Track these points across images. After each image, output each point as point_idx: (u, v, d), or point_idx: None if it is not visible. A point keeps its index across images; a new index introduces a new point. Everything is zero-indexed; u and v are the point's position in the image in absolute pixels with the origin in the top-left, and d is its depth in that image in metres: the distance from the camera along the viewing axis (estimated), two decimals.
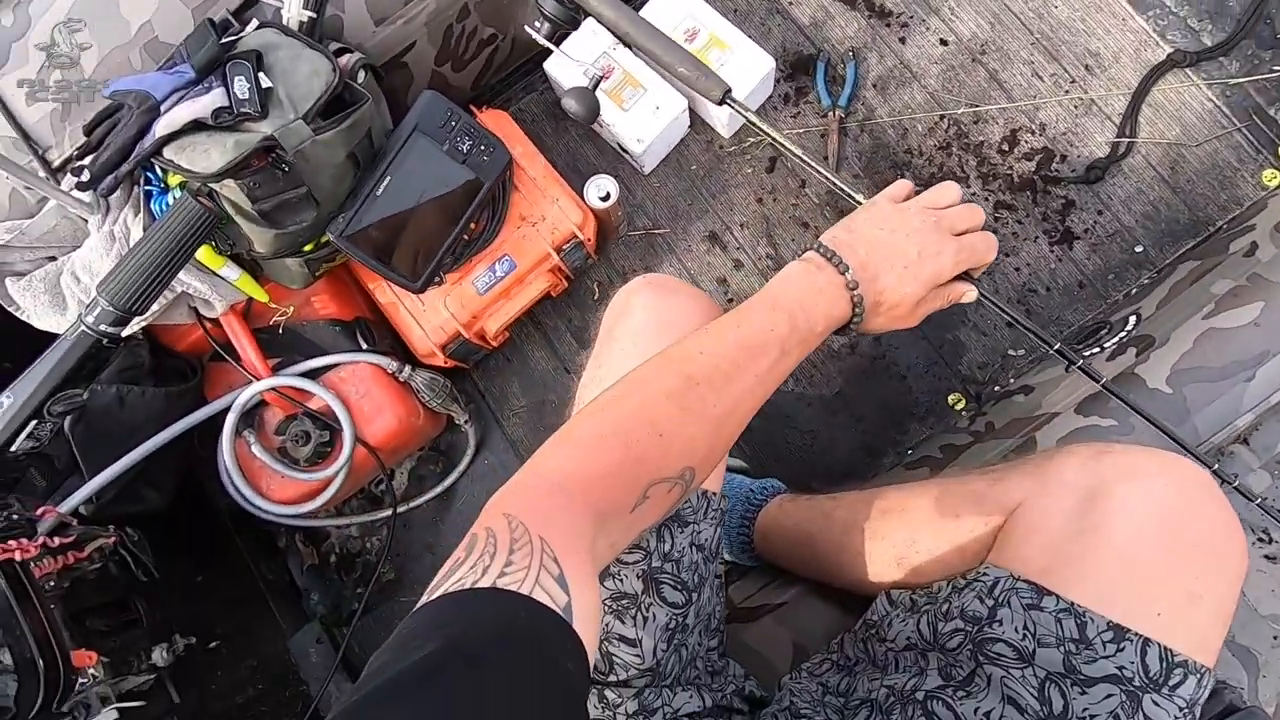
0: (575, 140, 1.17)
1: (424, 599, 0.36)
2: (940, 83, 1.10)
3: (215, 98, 0.78)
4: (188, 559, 1.04)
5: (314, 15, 0.87)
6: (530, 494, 0.43)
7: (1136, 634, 0.49)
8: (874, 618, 0.64)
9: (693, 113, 1.12)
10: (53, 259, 0.89)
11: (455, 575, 0.37)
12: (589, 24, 1.11)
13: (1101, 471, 0.54)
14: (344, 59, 0.87)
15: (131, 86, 0.79)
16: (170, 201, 0.79)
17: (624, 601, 0.56)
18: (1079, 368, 0.60)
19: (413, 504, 1.12)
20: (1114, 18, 1.07)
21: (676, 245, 1.12)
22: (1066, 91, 1.07)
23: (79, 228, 0.87)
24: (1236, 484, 0.55)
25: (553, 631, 0.35)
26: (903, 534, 0.64)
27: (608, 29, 0.72)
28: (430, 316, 1.01)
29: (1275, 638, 0.64)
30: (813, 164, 0.66)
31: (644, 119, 1.06)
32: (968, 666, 0.54)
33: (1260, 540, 0.63)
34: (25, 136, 0.83)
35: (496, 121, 1.04)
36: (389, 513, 1.11)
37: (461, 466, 1.12)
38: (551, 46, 0.83)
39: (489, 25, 1.01)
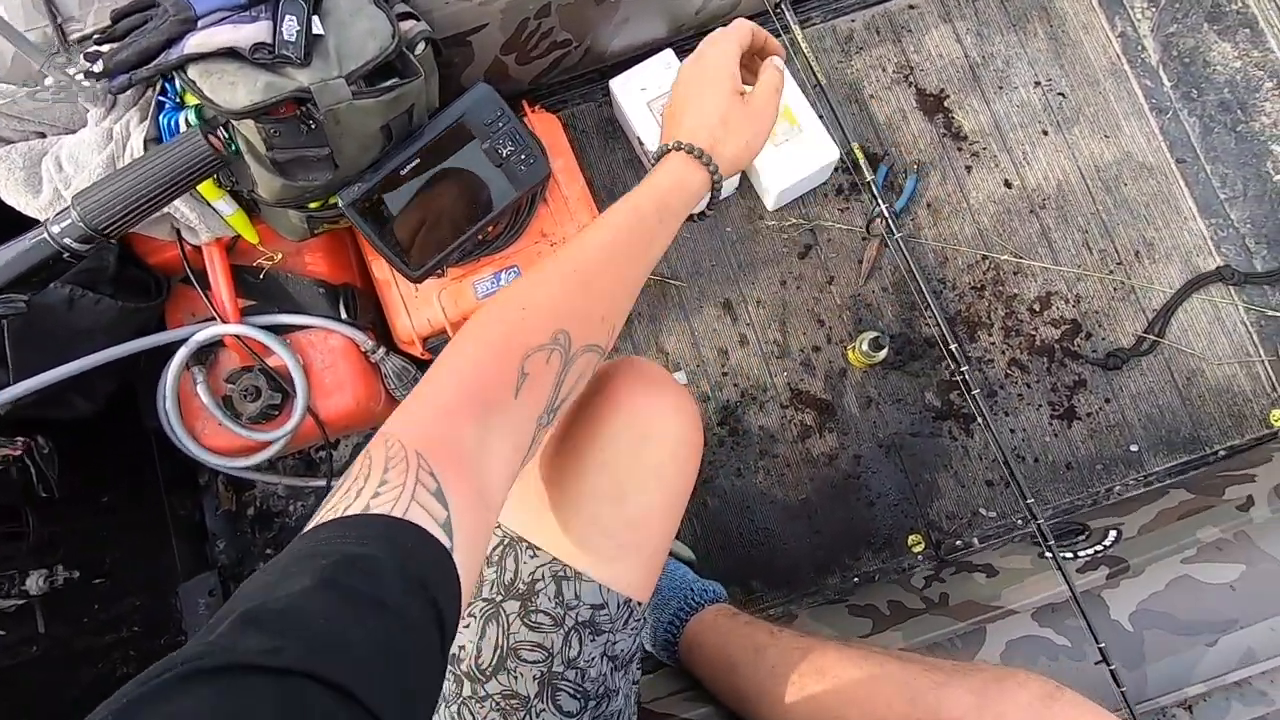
0: (620, 164, 1.13)
1: (308, 524, 0.35)
2: (993, 223, 1.08)
3: (258, 30, 0.72)
4: (99, 473, 0.98)
5: None
6: (408, 412, 0.41)
7: None
8: None
9: (744, 176, 1.09)
10: (42, 136, 0.82)
11: (329, 503, 0.35)
12: (665, 55, 1.07)
13: None
14: (406, 25, 0.81)
15: None
16: (181, 124, 0.74)
17: (513, 702, 0.53)
18: (1052, 558, 0.58)
19: None
20: (1176, 214, 1.06)
21: (688, 302, 1.09)
22: (1110, 271, 1.05)
23: (78, 113, 0.81)
24: None
25: (426, 556, 0.33)
26: (830, 701, 0.62)
27: None
28: (420, 305, 0.96)
29: None
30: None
31: None
32: None
33: None
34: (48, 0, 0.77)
35: (546, 126, 1.00)
36: (322, 483, 1.06)
37: None
38: None
39: (566, 30, 0.96)
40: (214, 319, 0.89)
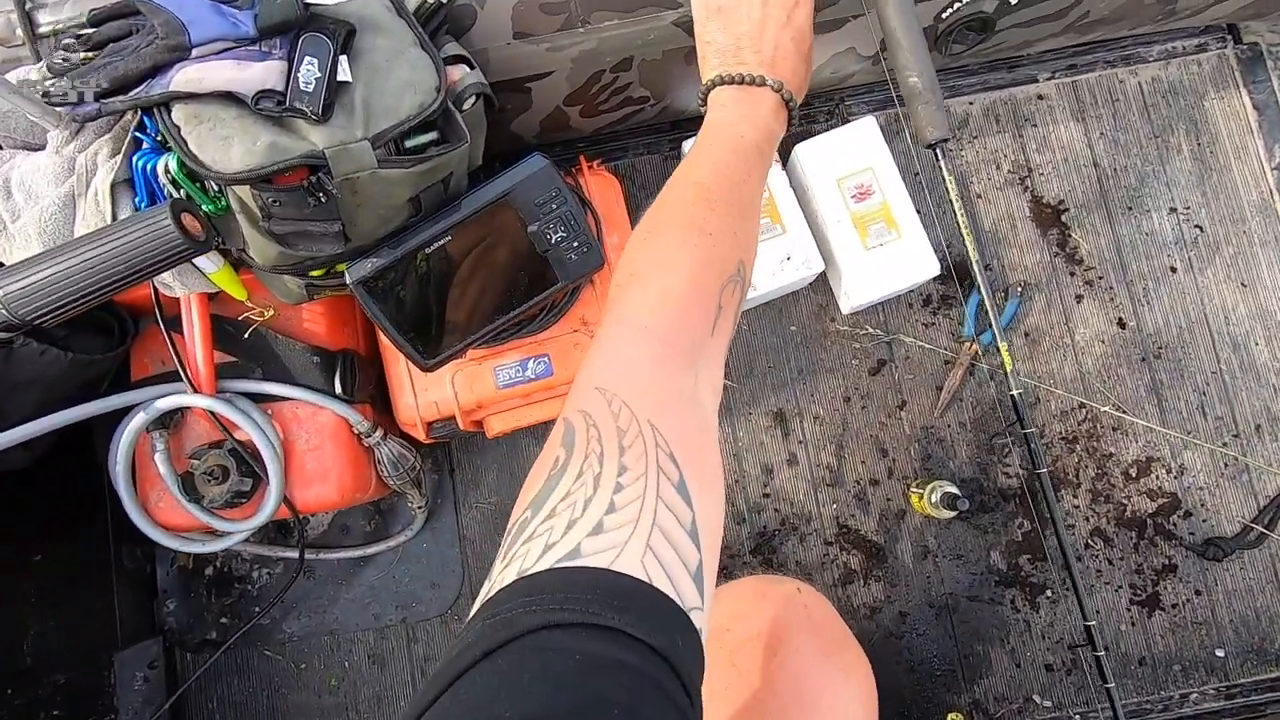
0: None
1: (515, 534, 0.30)
2: (1097, 366, 0.93)
3: (267, 72, 0.57)
4: (33, 528, 0.84)
5: (443, 0, 0.65)
6: (622, 354, 0.39)
7: None
8: None
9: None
10: None
11: (560, 491, 0.31)
12: None
13: None
14: (455, 72, 0.66)
15: (163, 1, 0.57)
16: (160, 172, 0.58)
17: None
18: None
19: (324, 555, 0.94)
20: None
21: (736, 408, 0.95)
22: (1224, 444, 0.91)
23: (40, 129, 0.65)
24: None
25: (675, 635, 0.28)
26: None
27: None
28: (430, 386, 0.82)
29: None
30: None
31: (768, 262, 0.87)
32: None
33: None
34: None
35: (604, 190, 0.84)
36: (293, 554, 0.93)
37: (393, 541, 0.94)
38: None
39: (644, 86, 0.80)
40: (183, 386, 0.74)
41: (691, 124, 0.93)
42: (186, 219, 0.52)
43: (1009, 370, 0.60)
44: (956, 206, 0.62)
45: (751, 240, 0.49)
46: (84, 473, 0.91)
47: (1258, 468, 0.91)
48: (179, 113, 0.57)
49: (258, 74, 0.56)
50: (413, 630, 0.93)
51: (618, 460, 0.32)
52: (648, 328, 0.40)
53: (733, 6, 0.55)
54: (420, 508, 0.90)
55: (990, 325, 0.62)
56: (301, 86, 0.57)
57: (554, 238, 0.71)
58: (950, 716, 0.89)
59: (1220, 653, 0.88)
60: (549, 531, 0.30)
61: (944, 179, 0.62)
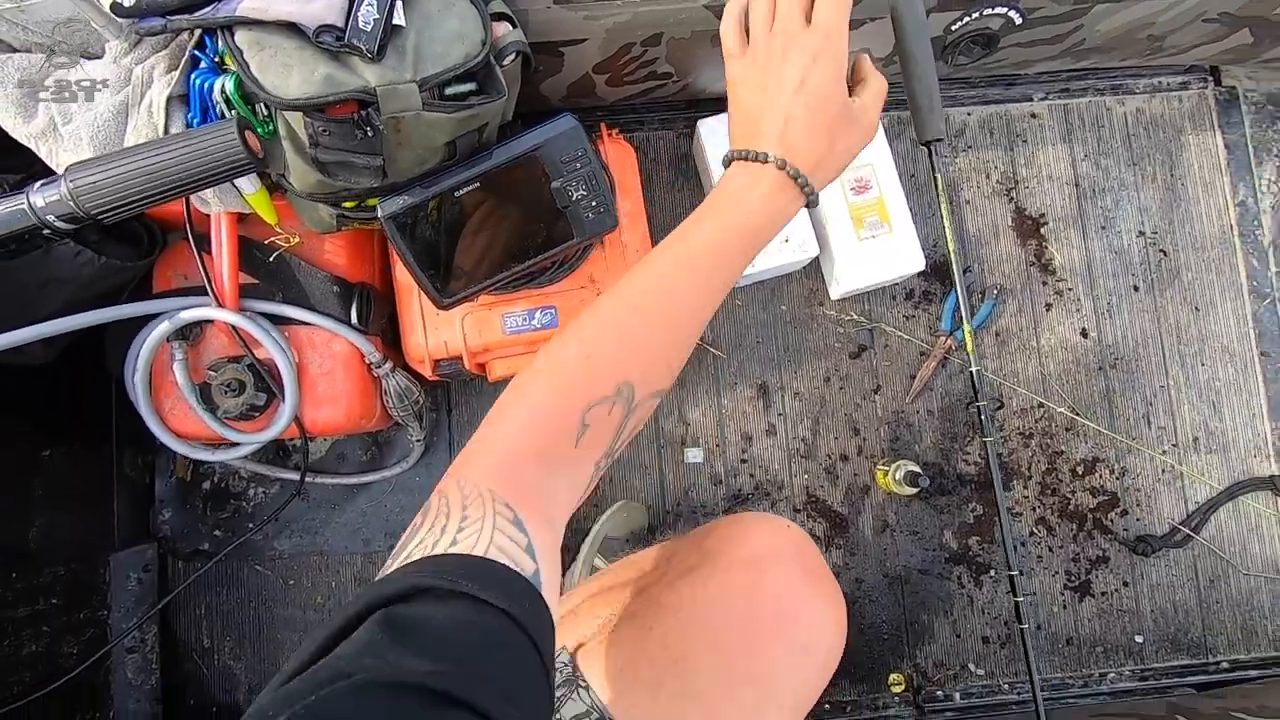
0: (685, 206, 1.03)
1: (388, 566, 0.36)
2: (1058, 370, 1.01)
3: (329, 7, 0.61)
4: (44, 425, 0.88)
5: None
6: (475, 457, 0.43)
7: None
8: None
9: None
10: (51, 53, 0.70)
11: (416, 539, 0.38)
12: None
13: None
14: (499, 29, 0.70)
15: None
16: (215, 92, 0.62)
17: None
18: None
19: (321, 479, 0.99)
20: (1246, 410, 1.00)
21: (723, 375, 1.01)
22: (1164, 452, 1.00)
23: (98, 37, 0.68)
24: None
25: (516, 588, 0.35)
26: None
27: None
28: (441, 325, 0.86)
29: None
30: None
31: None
32: None
33: None
34: None
35: (620, 158, 0.89)
36: (294, 476, 0.97)
37: (389, 471, 0.98)
38: None
39: (670, 63, 0.85)
40: (207, 299, 0.78)
41: (708, 105, 0.98)
42: (249, 136, 0.56)
43: (970, 350, 0.66)
44: (941, 202, 0.68)
45: (662, 356, 0.47)
46: (94, 380, 0.94)
47: (1190, 476, 0.99)
48: (242, 37, 0.60)
49: (320, 8, 0.60)
50: None
51: (460, 513, 0.38)
52: (508, 435, 0.43)
53: (761, 51, 0.50)
54: (419, 440, 0.95)
55: (963, 323, 0.68)
56: (360, 25, 0.61)
57: (575, 195, 0.76)
58: (892, 677, 0.97)
59: (1139, 639, 0.97)
60: (406, 560, 0.36)
61: (934, 179, 0.68)
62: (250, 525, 0.98)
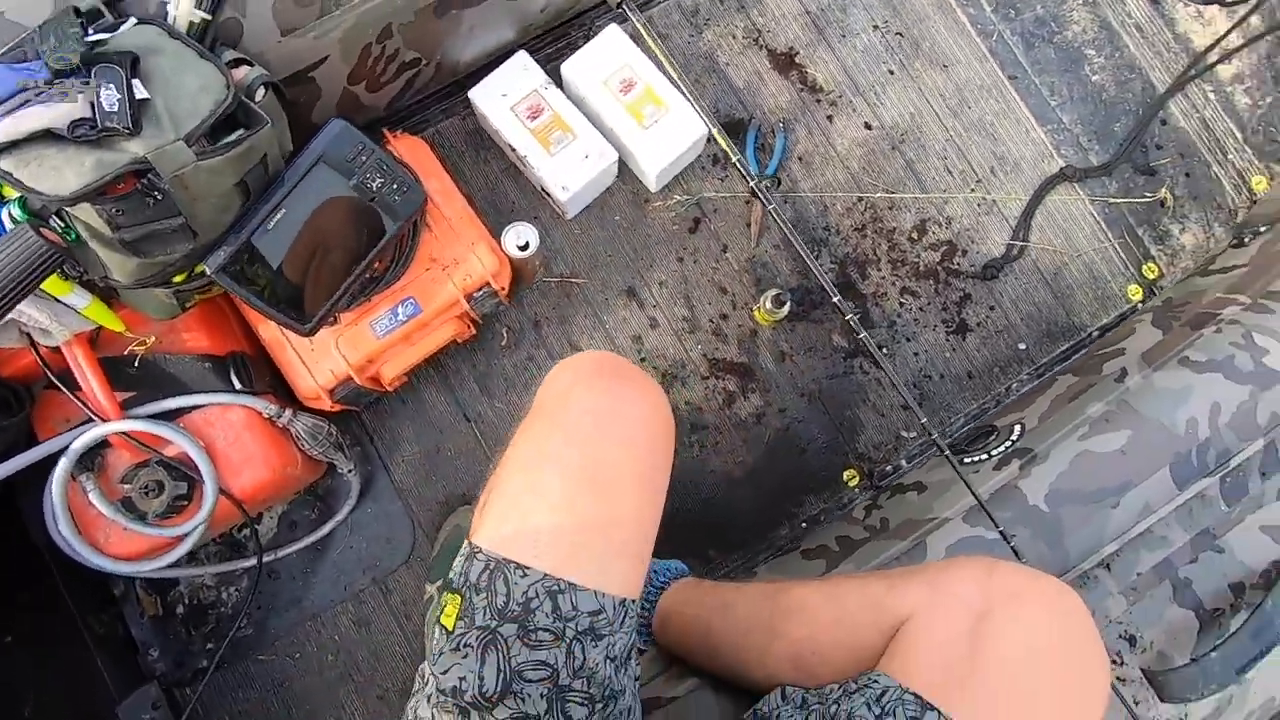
0: (496, 174, 1.11)
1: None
2: (861, 165, 1.13)
3: (74, 107, 0.66)
4: None
5: (208, 17, 0.76)
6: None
7: None
8: (765, 709, 0.64)
9: (621, 163, 1.09)
10: None
11: None
12: (520, 57, 1.06)
13: (991, 591, 0.57)
14: (240, 72, 0.77)
15: None
16: (5, 221, 0.67)
17: None
18: (952, 465, 0.63)
19: (281, 553, 1.02)
20: (1018, 126, 1.15)
21: (593, 297, 1.09)
22: (972, 190, 1.13)
23: None
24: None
25: None
26: (801, 634, 0.65)
27: None
28: (319, 358, 0.92)
29: None
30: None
31: (571, 166, 1.02)
32: None
33: (1114, 663, 0.69)
34: None
35: (412, 150, 0.97)
36: (253, 562, 1.00)
37: (340, 515, 1.03)
38: None
39: (412, 49, 0.93)
40: (92, 421, 0.81)
41: (471, 78, 1.07)
42: (45, 232, 0.61)
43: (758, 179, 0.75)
44: (668, 66, 0.77)
45: None
46: (22, 554, 0.95)
47: (1001, 199, 1.13)
48: (6, 162, 0.65)
49: (65, 110, 0.66)
50: (385, 585, 1.03)
51: None
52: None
53: None
54: (351, 470, 1.00)
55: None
56: (107, 109, 0.66)
57: (374, 184, 0.83)
58: (846, 474, 1.07)
59: (1022, 346, 1.10)
60: None
61: (655, 50, 0.77)
62: (235, 625, 1.01)
